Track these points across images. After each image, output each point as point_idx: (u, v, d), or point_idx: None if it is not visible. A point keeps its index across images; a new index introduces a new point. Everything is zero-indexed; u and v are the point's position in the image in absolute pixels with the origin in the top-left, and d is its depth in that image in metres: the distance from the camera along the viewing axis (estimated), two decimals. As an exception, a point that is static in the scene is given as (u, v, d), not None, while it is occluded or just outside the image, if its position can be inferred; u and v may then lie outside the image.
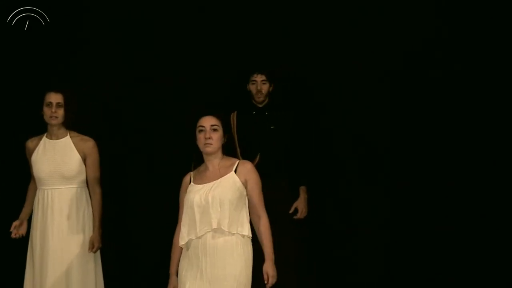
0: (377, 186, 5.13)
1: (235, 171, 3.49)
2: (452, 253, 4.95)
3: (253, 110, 4.88)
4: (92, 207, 4.24)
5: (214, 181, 3.47)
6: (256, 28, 5.15)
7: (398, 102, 5.13)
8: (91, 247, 4.13)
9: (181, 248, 3.50)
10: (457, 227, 4.99)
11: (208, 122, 3.51)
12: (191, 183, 3.56)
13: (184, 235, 3.46)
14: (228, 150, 3.75)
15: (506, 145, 4.78)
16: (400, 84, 5.12)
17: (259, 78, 4.79)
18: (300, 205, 4.80)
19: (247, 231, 3.44)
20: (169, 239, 3.57)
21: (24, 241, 4.25)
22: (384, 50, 5.10)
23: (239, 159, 3.64)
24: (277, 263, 3.96)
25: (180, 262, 3.48)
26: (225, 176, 3.49)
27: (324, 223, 5.08)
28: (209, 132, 3.49)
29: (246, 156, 4.49)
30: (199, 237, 3.40)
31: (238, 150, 4.57)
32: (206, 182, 3.49)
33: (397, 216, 5.11)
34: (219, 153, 3.53)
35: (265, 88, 4.80)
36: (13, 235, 4.29)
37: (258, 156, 4.74)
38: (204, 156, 3.50)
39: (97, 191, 4.23)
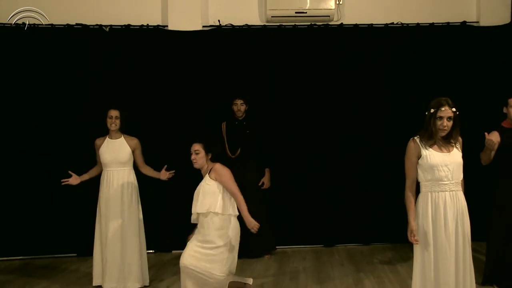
0: (315, 167, 6.40)
1: (209, 174, 4.29)
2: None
3: (236, 121, 6.00)
4: (148, 172, 5.19)
5: (202, 181, 4.32)
6: (237, 73, 6.38)
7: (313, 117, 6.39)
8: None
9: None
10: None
11: (193, 148, 4.25)
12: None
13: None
14: (221, 147, 4.75)
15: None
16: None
17: (239, 101, 5.95)
18: (265, 180, 6.00)
19: (218, 209, 4.21)
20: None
21: (96, 206, 5.16)
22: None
23: (217, 162, 4.32)
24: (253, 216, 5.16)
25: None
26: (205, 177, 4.30)
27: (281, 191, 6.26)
28: (193, 155, 4.23)
29: (232, 150, 6.00)
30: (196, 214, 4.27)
31: (227, 146, 6.02)
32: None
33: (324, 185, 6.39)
34: (205, 163, 4.27)
35: (242, 108, 5.96)
36: (62, 180, 5.03)
37: (239, 150, 5.93)
38: None
39: (147, 167, 5.24)
